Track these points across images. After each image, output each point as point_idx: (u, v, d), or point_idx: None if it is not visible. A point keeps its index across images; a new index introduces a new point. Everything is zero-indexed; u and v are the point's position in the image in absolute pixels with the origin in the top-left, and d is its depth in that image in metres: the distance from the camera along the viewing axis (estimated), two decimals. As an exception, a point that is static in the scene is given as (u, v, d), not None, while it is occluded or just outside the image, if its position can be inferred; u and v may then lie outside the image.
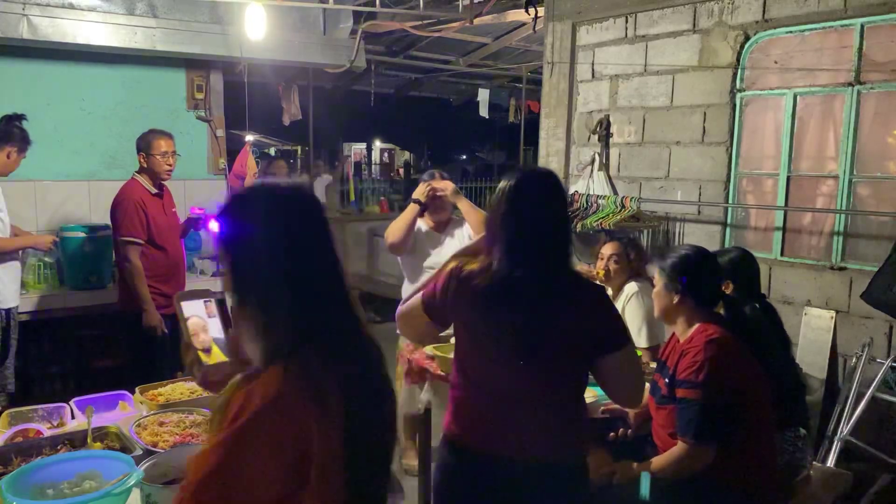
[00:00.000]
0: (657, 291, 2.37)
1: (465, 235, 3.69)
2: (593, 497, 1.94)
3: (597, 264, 3.30)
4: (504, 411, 1.77)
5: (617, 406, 2.40)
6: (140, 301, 3.52)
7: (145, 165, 3.62)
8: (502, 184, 1.82)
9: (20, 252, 3.70)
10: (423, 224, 3.60)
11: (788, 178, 3.68)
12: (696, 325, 2.25)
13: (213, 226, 4.62)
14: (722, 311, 2.33)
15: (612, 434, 2.41)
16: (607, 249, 3.30)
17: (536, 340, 1.72)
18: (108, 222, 3.73)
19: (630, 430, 2.35)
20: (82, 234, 4.15)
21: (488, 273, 1.76)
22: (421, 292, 1.93)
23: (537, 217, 1.77)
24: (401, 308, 2.00)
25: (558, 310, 1.75)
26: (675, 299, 2.29)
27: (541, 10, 4.86)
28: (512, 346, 1.73)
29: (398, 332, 2.21)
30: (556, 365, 1.76)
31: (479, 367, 1.81)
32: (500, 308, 1.75)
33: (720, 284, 2.40)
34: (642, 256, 3.46)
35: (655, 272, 2.39)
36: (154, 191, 3.66)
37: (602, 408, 2.50)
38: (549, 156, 4.71)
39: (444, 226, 3.59)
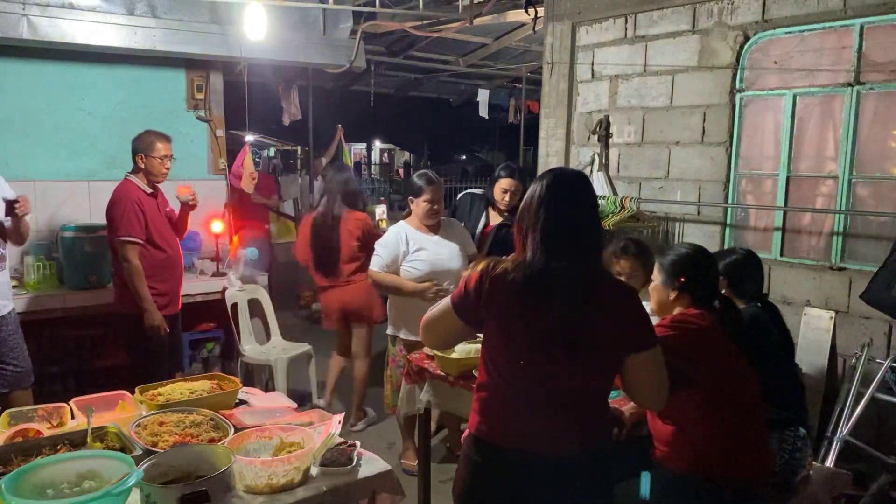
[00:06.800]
0: (655, 286, 2.42)
1: (459, 234, 3.73)
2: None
3: None
4: (535, 407, 1.79)
5: (614, 406, 2.40)
6: (141, 301, 3.51)
7: (142, 166, 3.62)
8: (534, 186, 1.87)
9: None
10: (413, 228, 3.62)
11: (788, 179, 3.69)
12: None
13: (216, 226, 4.60)
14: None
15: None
16: (623, 268, 3.24)
17: (573, 331, 1.74)
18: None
19: (625, 430, 2.35)
20: (82, 234, 4.15)
21: (524, 266, 1.79)
22: (448, 296, 1.95)
23: (572, 213, 1.82)
24: (427, 316, 2.01)
25: (594, 303, 1.78)
26: (672, 295, 2.33)
27: (540, 11, 4.87)
28: (549, 336, 1.74)
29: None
30: (590, 357, 1.78)
31: (511, 362, 1.82)
32: (537, 299, 1.77)
33: (717, 284, 2.42)
34: (651, 259, 3.44)
35: (656, 268, 2.42)
36: (149, 191, 3.66)
37: None
38: (549, 156, 4.72)
39: (437, 227, 3.65)
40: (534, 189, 1.87)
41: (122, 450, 1.97)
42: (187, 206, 3.86)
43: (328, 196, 4.36)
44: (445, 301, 1.95)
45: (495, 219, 4.12)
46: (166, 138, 3.66)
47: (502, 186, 3.98)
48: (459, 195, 4.55)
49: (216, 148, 5.12)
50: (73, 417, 2.31)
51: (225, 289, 4.57)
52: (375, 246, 3.68)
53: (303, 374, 4.65)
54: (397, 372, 3.62)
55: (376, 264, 3.60)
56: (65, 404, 2.35)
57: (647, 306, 3.15)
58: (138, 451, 1.96)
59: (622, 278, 3.23)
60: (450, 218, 3.89)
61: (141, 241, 3.54)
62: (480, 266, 1.88)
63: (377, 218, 5.00)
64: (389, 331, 3.75)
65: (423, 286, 3.49)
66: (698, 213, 4.03)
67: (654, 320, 3.09)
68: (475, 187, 10.41)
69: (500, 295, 1.81)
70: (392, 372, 3.73)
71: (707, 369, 2.17)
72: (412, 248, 3.56)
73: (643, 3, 4.14)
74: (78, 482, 1.73)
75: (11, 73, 4.35)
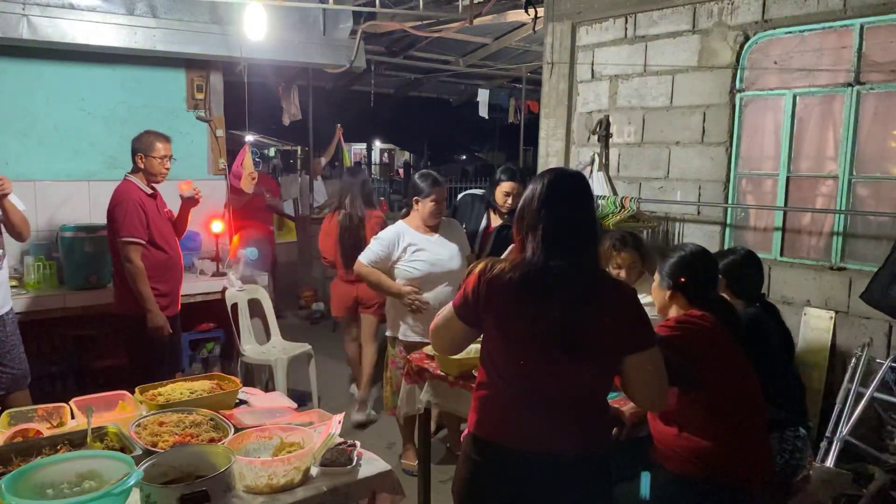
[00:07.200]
0: (654, 286, 2.45)
1: (457, 235, 3.74)
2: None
3: (610, 270, 3.29)
4: (535, 407, 1.80)
5: (614, 406, 2.41)
6: (144, 302, 3.50)
7: (142, 167, 3.61)
8: (533, 185, 1.89)
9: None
10: (414, 229, 3.62)
11: (788, 179, 3.69)
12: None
13: (215, 226, 4.57)
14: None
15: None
16: (624, 259, 3.28)
17: (573, 331, 1.75)
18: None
19: (625, 430, 2.35)
20: (82, 234, 4.15)
21: (522, 265, 1.81)
22: (451, 302, 1.97)
23: (571, 213, 1.83)
24: (433, 323, 2.03)
25: (592, 302, 1.78)
26: (667, 295, 2.36)
27: (540, 11, 4.87)
28: (548, 336, 1.75)
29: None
30: (589, 357, 1.78)
31: (511, 362, 1.83)
32: (536, 297, 1.77)
33: (714, 285, 2.42)
34: (647, 253, 3.48)
35: (657, 268, 2.44)
36: (149, 191, 3.66)
37: None
38: (549, 156, 4.72)
39: (436, 227, 3.66)
40: (534, 188, 1.87)
41: (122, 450, 1.97)
42: (190, 202, 3.84)
43: (350, 197, 4.68)
44: (448, 306, 1.97)
45: (496, 220, 4.13)
46: (166, 138, 3.66)
47: (504, 190, 3.99)
48: (460, 196, 4.58)
49: (216, 148, 5.13)
50: (73, 417, 2.31)
51: (225, 289, 4.57)
52: (371, 240, 3.68)
53: (303, 374, 4.65)
54: (397, 373, 3.61)
55: (366, 257, 3.60)
56: (65, 404, 2.35)
57: (643, 299, 3.20)
58: (138, 451, 1.96)
59: (622, 271, 3.26)
60: (449, 218, 3.89)
61: (143, 242, 3.53)
62: (478, 268, 1.89)
63: None
64: (388, 332, 3.75)
65: (405, 289, 3.51)
66: (698, 213, 4.03)
67: (650, 312, 3.14)
68: (475, 187, 10.41)
69: (497, 295, 1.82)
70: (392, 374, 3.73)
71: (710, 370, 2.18)
72: (410, 249, 3.56)
73: (643, 3, 4.14)
74: (78, 482, 1.73)
75: (11, 73, 4.35)
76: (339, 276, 4.69)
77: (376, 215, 4.74)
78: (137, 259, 3.50)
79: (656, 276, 2.43)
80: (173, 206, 3.90)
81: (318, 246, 4.94)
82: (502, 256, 2.07)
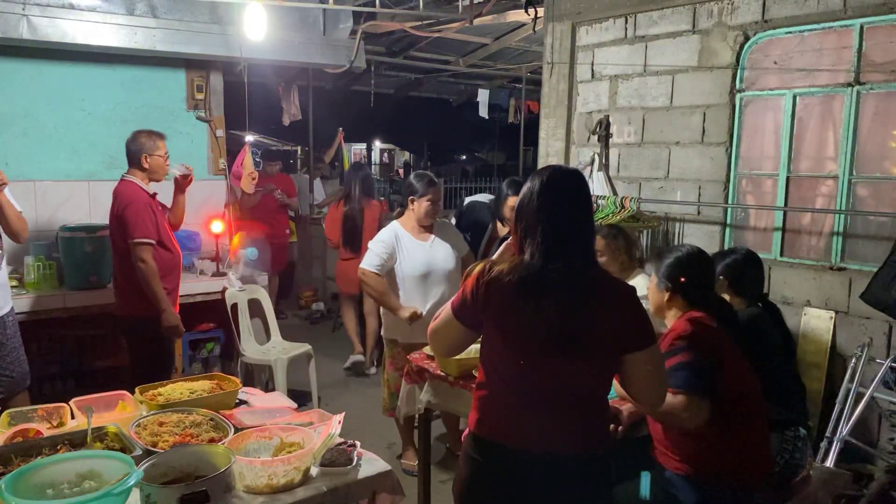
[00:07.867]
0: (651, 288, 2.44)
1: (451, 235, 3.76)
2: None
3: None
4: (534, 406, 1.80)
5: (613, 405, 2.41)
6: (157, 302, 3.48)
7: (147, 166, 3.59)
8: (530, 183, 1.87)
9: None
10: (408, 231, 3.62)
11: (788, 179, 3.69)
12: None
13: (215, 226, 4.57)
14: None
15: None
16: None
17: (572, 331, 1.74)
18: (108, 222, 3.67)
19: (621, 428, 2.35)
20: (82, 234, 4.15)
21: (521, 267, 1.80)
22: (449, 302, 1.97)
23: (570, 213, 1.83)
24: (431, 326, 2.02)
25: (591, 303, 1.78)
26: (666, 297, 2.36)
27: (541, 11, 4.87)
28: (546, 335, 1.75)
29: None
30: (589, 357, 1.78)
31: (510, 362, 1.83)
32: (534, 299, 1.77)
33: (712, 286, 2.42)
34: (630, 245, 3.48)
35: (653, 269, 2.43)
36: (151, 191, 3.65)
37: None
38: (549, 156, 4.72)
39: (431, 228, 3.68)
40: (531, 187, 1.86)
41: (122, 450, 1.97)
42: (184, 181, 3.77)
43: (352, 189, 5.56)
44: (447, 309, 1.96)
45: (502, 231, 4.18)
46: (162, 136, 3.66)
47: (511, 205, 3.97)
48: (466, 201, 4.63)
49: (216, 148, 5.13)
50: (73, 417, 2.31)
51: (225, 289, 4.57)
52: (370, 245, 3.68)
53: (303, 374, 4.65)
54: (395, 375, 3.61)
55: (371, 264, 3.56)
56: (65, 404, 2.35)
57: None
58: (138, 452, 1.96)
59: None
60: (442, 219, 3.90)
61: (154, 242, 3.52)
62: (477, 269, 1.89)
63: None
64: (386, 334, 3.75)
65: (406, 311, 3.46)
66: (698, 213, 4.03)
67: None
68: (478, 190, 10.42)
69: (496, 297, 1.82)
70: (390, 375, 3.73)
71: (719, 372, 2.17)
72: (406, 249, 3.57)
73: (643, 3, 4.14)
74: (78, 482, 1.73)
75: (11, 73, 4.35)
76: (340, 256, 5.59)
77: (375, 205, 5.62)
78: (151, 259, 3.47)
79: (653, 277, 2.43)
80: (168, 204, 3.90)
81: (318, 245, 5.17)
82: (497, 255, 2.07)
